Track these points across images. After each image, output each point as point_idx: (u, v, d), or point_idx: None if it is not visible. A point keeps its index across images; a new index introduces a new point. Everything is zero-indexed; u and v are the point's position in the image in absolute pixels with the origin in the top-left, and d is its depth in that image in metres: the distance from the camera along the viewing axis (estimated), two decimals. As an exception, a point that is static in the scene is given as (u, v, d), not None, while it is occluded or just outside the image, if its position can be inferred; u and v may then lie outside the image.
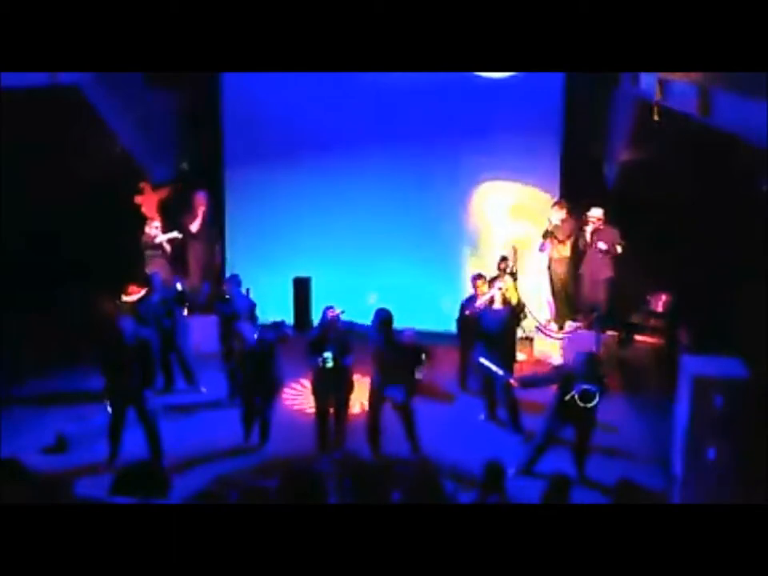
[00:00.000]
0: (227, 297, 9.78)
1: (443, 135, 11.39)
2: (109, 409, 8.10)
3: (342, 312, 8.44)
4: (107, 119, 10.27)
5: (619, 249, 10.44)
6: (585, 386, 7.41)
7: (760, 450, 6.56)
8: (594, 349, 9.56)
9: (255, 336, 8.36)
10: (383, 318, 8.17)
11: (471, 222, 11.66)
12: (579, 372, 7.53)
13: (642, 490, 5.68)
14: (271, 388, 8.56)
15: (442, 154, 11.45)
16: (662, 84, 7.84)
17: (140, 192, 11.17)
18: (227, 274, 11.76)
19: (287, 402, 9.55)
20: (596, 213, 10.62)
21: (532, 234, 11.28)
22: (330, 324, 8.38)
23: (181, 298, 9.90)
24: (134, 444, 8.01)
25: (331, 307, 8.54)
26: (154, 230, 10.79)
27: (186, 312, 10.36)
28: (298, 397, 9.63)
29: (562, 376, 7.81)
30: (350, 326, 8.47)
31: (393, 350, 8.21)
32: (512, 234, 11.44)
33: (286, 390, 9.39)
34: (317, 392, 8.48)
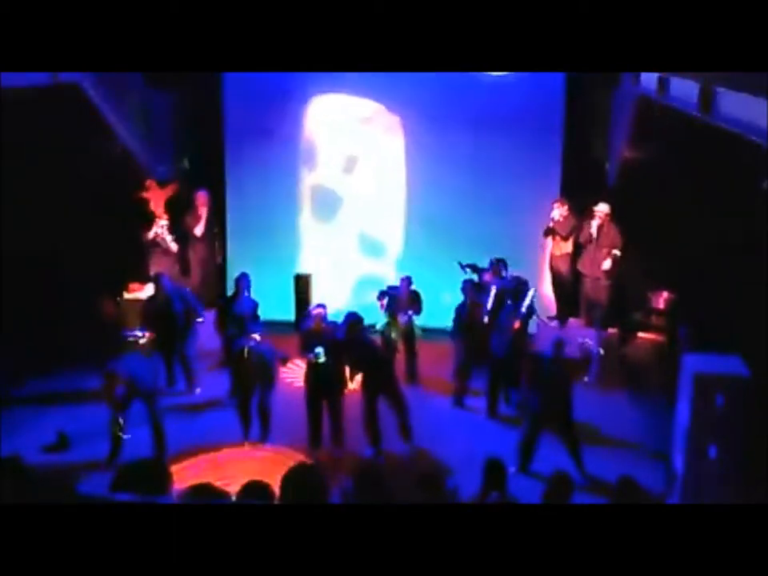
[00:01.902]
0: (235, 295, 9.76)
1: (444, 133, 11.39)
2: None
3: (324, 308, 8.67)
4: (107, 118, 10.27)
5: (618, 253, 10.45)
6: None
7: (761, 448, 6.56)
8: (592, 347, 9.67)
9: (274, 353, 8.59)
10: (351, 320, 8.41)
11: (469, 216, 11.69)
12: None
13: (644, 488, 5.67)
14: (269, 382, 8.60)
15: (444, 152, 11.45)
16: (663, 82, 7.85)
17: (146, 189, 11.16)
18: (228, 271, 11.81)
19: (286, 380, 9.73)
20: (603, 208, 10.56)
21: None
22: (319, 320, 8.52)
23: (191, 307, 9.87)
24: (134, 443, 8.03)
25: (318, 306, 8.72)
26: (161, 228, 10.78)
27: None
28: (297, 374, 9.70)
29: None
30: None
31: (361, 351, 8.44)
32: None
33: (283, 368, 9.56)
34: (308, 385, 8.55)
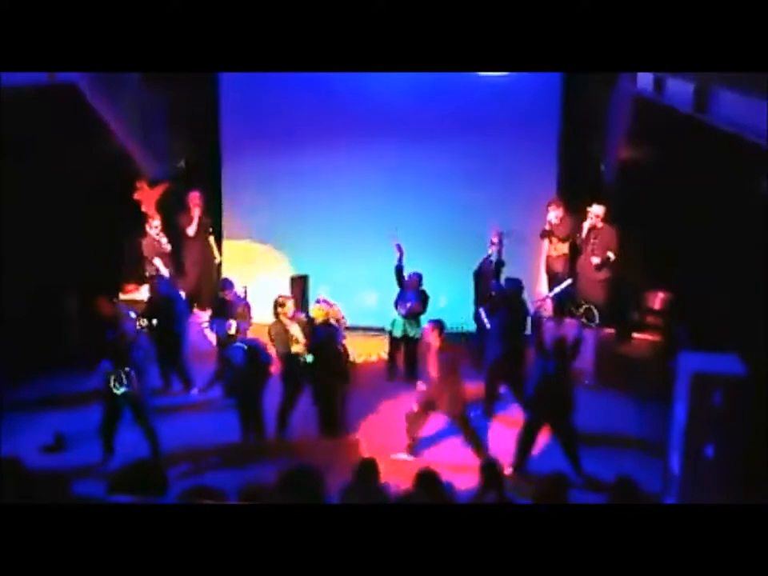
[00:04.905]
0: (225, 300, 9.70)
1: (442, 133, 11.39)
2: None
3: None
4: (104, 118, 10.25)
5: (612, 255, 10.40)
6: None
7: (758, 447, 6.57)
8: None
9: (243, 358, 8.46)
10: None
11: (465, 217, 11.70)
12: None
13: (641, 488, 5.68)
14: (260, 383, 8.59)
15: (441, 152, 11.46)
16: (660, 82, 7.86)
17: (137, 190, 11.14)
18: (224, 273, 11.79)
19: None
20: (597, 210, 10.54)
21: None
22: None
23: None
24: (132, 445, 8.03)
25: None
26: (154, 229, 10.75)
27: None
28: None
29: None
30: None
31: None
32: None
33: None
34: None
